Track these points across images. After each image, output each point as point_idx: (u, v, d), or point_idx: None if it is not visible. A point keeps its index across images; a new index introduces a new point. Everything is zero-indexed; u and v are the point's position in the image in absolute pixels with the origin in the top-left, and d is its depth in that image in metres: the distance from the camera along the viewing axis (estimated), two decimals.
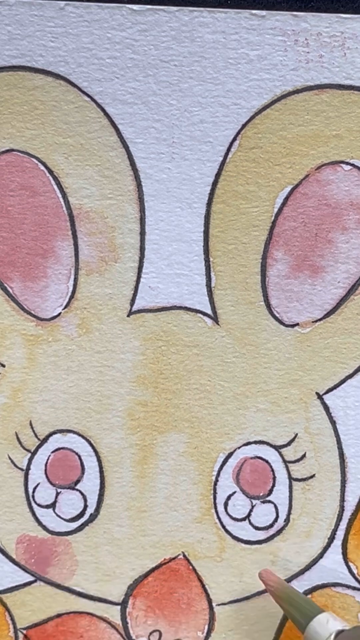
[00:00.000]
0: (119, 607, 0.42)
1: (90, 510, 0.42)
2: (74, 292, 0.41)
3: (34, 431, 0.42)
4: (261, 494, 0.42)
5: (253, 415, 0.42)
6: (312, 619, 0.38)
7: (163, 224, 0.41)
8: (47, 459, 0.42)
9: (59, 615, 0.42)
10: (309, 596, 0.42)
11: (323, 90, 0.40)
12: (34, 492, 0.42)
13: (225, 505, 0.42)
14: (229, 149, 0.41)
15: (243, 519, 0.42)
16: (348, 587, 0.42)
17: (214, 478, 0.42)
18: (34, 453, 0.42)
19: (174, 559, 0.42)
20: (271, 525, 0.42)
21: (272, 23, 0.40)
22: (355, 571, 0.42)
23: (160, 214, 0.41)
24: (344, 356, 0.42)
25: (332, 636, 0.37)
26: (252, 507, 0.42)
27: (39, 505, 0.42)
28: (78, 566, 0.42)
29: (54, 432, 0.42)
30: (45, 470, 0.42)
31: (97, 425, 0.42)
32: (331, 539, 0.42)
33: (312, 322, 0.42)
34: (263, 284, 0.41)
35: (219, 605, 0.42)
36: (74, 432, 0.42)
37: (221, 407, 0.42)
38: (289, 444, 0.42)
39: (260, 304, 0.41)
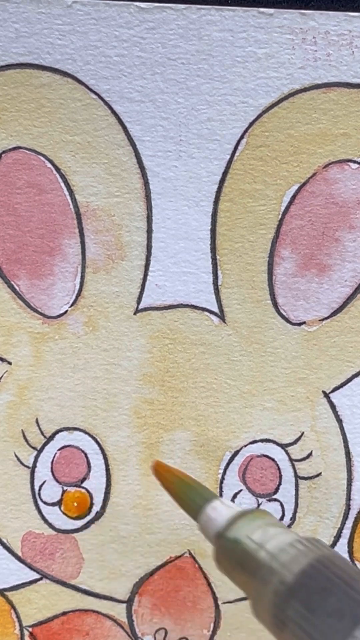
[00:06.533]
0: (124, 605, 0.42)
1: (96, 508, 0.42)
2: (80, 289, 0.41)
3: (40, 429, 0.42)
4: (267, 492, 0.42)
5: (259, 413, 0.42)
6: (204, 506, 0.35)
7: (170, 222, 0.41)
8: (53, 457, 0.42)
9: (64, 613, 0.42)
10: None
11: (331, 88, 0.40)
12: (40, 489, 0.42)
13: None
14: (236, 147, 0.41)
15: None
16: None
17: (220, 476, 0.42)
18: (40, 451, 0.42)
19: (179, 557, 0.42)
20: None
21: (280, 21, 0.40)
22: None
23: (167, 212, 0.41)
24: (351, 355, 0.42)
25: (225, 523, 0.34)
26: (259, 505, 0.42)
27: (45, 502, 0.42)
28: (84, 564, 0.42)
29: (60, 430, 0.42)
30: (52, 468, 0.42)
31: (104, 423, 0.42)
32: (337, 537, 0.42)
33: (319, 320, 0.42)
34: (270, 282, 0.41)
35: (224, 603, 0.42)
36: (80, 430, 0.42)
37: (227, 405, 0.42)
38: (295, 442, 0.42)
39: (267, 303, 0.41)
